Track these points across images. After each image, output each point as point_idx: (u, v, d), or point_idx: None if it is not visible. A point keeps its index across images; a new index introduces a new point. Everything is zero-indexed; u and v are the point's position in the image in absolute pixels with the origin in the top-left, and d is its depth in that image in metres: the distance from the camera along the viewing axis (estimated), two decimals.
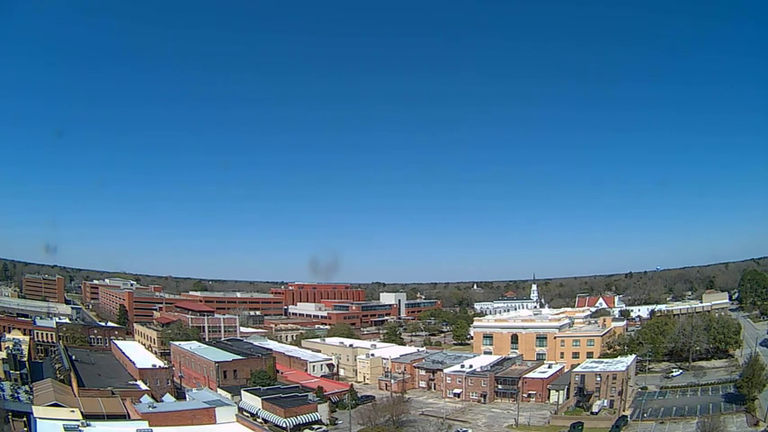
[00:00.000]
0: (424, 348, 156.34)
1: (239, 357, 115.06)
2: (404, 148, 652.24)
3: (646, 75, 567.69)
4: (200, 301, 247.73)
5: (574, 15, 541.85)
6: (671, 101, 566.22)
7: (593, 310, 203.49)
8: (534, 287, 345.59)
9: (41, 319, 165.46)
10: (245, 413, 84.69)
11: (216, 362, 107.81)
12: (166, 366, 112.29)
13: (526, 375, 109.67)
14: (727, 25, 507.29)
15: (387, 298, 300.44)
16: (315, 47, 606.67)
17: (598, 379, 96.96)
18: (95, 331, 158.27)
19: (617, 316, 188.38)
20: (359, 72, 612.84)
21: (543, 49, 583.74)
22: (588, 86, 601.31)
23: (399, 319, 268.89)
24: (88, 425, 57.78)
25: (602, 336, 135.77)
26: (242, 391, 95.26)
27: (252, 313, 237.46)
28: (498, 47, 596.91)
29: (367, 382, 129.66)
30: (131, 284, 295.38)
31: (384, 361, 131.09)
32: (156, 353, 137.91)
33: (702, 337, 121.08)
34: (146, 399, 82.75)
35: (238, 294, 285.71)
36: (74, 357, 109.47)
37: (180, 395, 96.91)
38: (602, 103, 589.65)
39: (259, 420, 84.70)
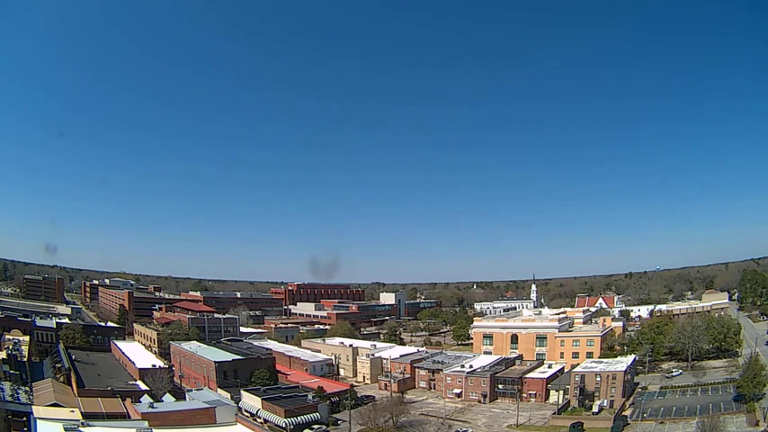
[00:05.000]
0: (424, 348, 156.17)
1: (239, 357, 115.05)
2: (404, 147, 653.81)
3: (644, 72, 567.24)
4: (200, 301, 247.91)
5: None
6: (671, 100, 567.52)
7: (593, 310, 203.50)
8: (534, 287, 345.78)
9: (41, 319, 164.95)
10: (245, 413, 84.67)
11: (216, 362, 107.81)
12: (166, 366, 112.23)
13: (526, 375, 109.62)
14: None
15: (387, 298, 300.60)
16: (315, 45, 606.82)
17: (598, 379, 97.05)
18: (95, 331, 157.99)
19: (617, 316, 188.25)
20: (359, 71, 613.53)
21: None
22: (587, 84, 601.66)
23: (399, 319, 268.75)
24: (88, 425, 57.62)
25: (601, 336, 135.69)
26: (242, 391, 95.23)
27: (252, 313, 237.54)
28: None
29: (367, 382, 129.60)
30: (131, 284, 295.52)
31: (384, 361, 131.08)
32: (155, 353, 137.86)
33: (702, 337, 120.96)
34: (145, 399, 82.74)
35: (238, 294, 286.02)
36: (74, 357, 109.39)
37: (180, 395, 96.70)
38: (602, 101, 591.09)
39: (259, 420, 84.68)
